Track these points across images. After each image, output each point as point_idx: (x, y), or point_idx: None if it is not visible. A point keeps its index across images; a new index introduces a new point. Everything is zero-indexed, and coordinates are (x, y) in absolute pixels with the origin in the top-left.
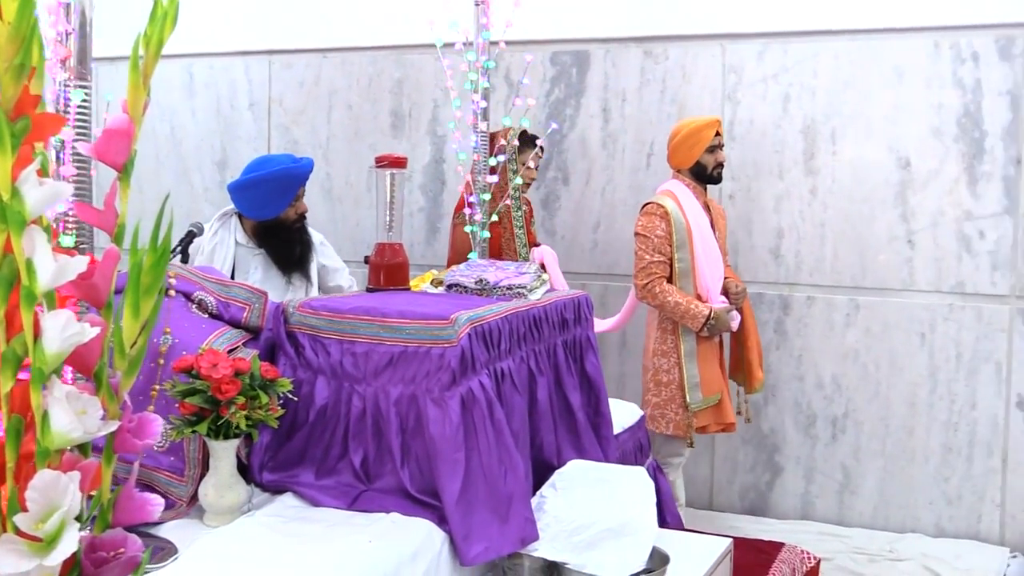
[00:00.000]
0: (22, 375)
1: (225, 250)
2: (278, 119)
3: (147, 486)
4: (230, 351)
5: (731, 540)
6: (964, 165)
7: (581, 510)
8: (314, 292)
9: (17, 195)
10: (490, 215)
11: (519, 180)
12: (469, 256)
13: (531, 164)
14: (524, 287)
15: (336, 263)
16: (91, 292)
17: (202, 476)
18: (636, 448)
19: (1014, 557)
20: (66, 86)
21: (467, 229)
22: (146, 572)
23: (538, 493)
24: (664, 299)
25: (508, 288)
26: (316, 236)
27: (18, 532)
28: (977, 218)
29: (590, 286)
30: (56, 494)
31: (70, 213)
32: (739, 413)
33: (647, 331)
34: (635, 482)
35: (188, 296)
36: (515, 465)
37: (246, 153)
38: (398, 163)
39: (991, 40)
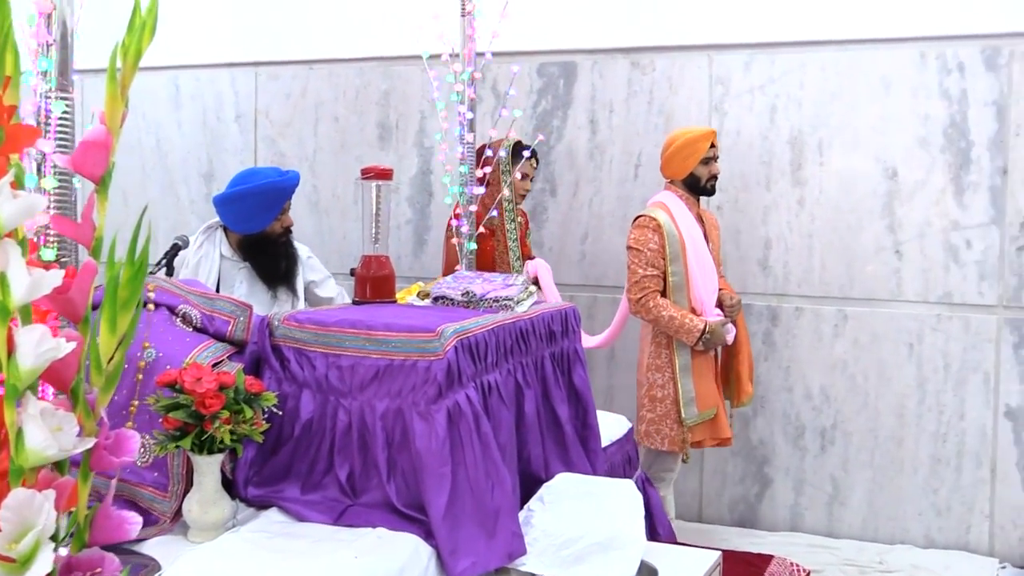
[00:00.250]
0: None
1: (210, 264)
2: (264, 131)
3: (130, 502)
4: (214, 365)
5: (720, 553)
6: (951, 175)
7: (569, 524)
8: (300, 306)
9: None
10: (477, 226)
11: (507, 192)
12: (459, 268)
13: (518, 175)
14: (511, 299)
15: (322, 275)
16: (68, 306)
17: (186, 491)
18: (624, 461)
19: (1003, 568)
20: (47, 98)
21: (469, 247)
22: None
23: (526, 507)
24: (658, 314)
25: (495, 300)
26: (302, 250)
27: None
28: (964, 228)
29: (578, 298)
30: (30, 513)
31: (51, 226)
32: None
33: (641, 346)
34: (623, 495)
35: (172, 309)
36: (502, 479)
37: (232, 165)
38: (384, 175)
39: (977, 50)
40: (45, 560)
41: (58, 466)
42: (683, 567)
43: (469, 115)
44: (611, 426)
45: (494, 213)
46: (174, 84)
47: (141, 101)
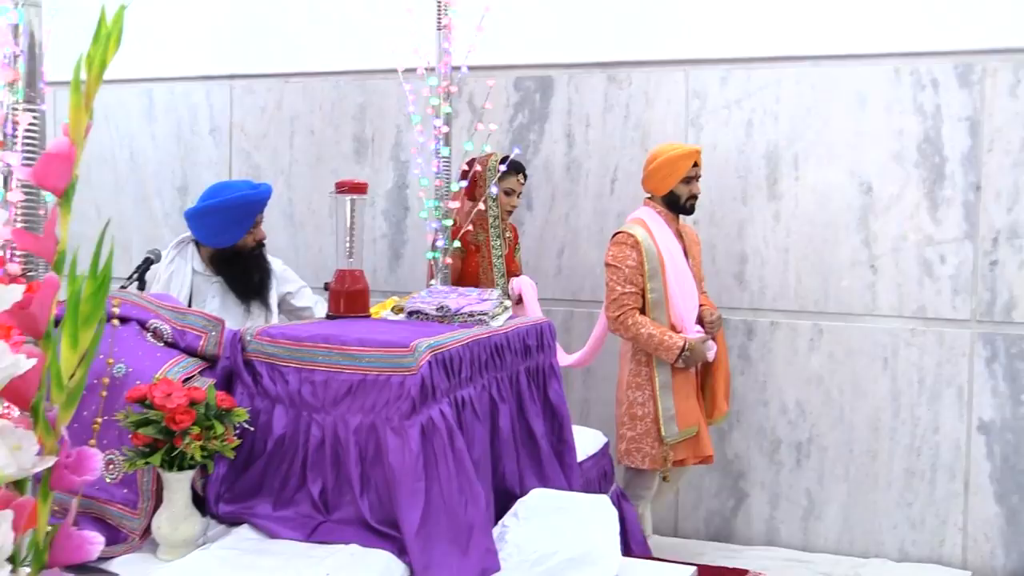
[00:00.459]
0: None
1: (182, 278)
2: (239, 144)
3: (98, 519)
4: (185, 380)
5: (695, 568)
6: (925, 190)
7: (543, 539)
8: (274, 320)
9: None
10: (452, 240)
11: (493, 207)
12: (431, 283)
13: (494, 189)
14: (486, 314)
15: (298, 285)
16: (29, 322)
17: (156, 508)
18: (600, 476)
19: None
20: (14, 109)
21: (428, 256)
22: None
23: (500, 522)
24: (637, 331)
25: (470, 315)
26: (276, 263)
27: None
28: (938, 243)
29: (554, 312)
30: None
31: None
32: None
33: (620, 363)
34: (598, 510)
35: (143, 324)
36: (476, 495)
37: (207, 178)
38: (358, 188)
39: (950, 67)
40: None
41: (17, 485)
42: None
43: (445, 129)
44: (587, 441)
45: (469, 227)
46: (148, 97)
47: (115, 114)
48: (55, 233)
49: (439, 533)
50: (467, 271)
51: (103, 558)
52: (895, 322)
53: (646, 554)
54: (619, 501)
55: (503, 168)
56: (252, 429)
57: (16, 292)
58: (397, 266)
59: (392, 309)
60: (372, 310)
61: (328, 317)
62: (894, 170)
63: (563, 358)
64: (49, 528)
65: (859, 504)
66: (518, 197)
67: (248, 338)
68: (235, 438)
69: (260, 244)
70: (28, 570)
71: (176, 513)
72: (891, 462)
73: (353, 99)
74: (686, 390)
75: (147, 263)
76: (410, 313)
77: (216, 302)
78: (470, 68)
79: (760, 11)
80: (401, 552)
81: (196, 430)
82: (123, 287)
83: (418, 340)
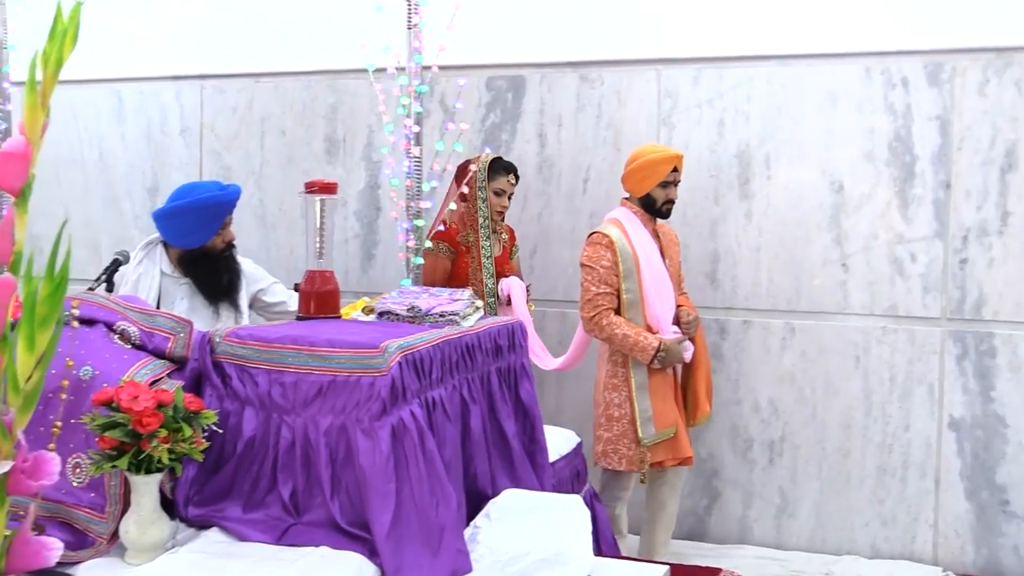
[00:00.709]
0: None
1: (150, 280)
2: (210, 145)
3: (65, 524)
4: (153, 382)
5: (668, 567)
6: (896, 189)
7: (515, 540)
8: (244, 322)
9: None
10: (440, 240)
11: (483, 208)
12: (403, 283)
13: (462, 189)
14: (457, 314)
15: (268, 281)
16: None
17: (124, 512)
18: (573, 476)
19: None
20: None
21: (416, 260)
22: None
23: (472, 524)
24: (612, 332)
25: (440, 315)
26: (245, 263)
27: None
28: (909, 241)
29: None
30: None
31: None
32: None
33: (598, 364)
34: (570, 511)
35: (110, 326)
36: (447, 496)
37: (177, 179)
38: (328, 189)
39: (920, 66)
40: None
41: None
42: None
43: (416, 128)
44: (560, 441)
45: (438, 226)
46: (117, 97)
47: (83, 114)
48: (11, 234)
49: (410, 535)
50: (457, 271)
51: (70, 563)
52: (867, 320)
53: (617, 554)
54: (592, 501)
55: (472, 168)
56: (221, 431)
57: None
58: (369, 267)
59: (363, 310)
60: (343, 311)
61: (298, 318)
62: (865, 169)
63: (548, 362)
64: (7, 533)
65: (831, 502)
66: (509, 198)
67: (217, 340)
68: (204, 440)
69: (229, 245)
70: None
71: (144, 517)
72: (863, 460)
73: (324, 99)
74: (663, 391)
75: (115, 264)
76: (381, 314)
77: (185, 304)
78: (442, 68)
79: (731, 10)
80: (372, 554)
81: (164, 433)
82: (91, 289)
83: (388, 341)
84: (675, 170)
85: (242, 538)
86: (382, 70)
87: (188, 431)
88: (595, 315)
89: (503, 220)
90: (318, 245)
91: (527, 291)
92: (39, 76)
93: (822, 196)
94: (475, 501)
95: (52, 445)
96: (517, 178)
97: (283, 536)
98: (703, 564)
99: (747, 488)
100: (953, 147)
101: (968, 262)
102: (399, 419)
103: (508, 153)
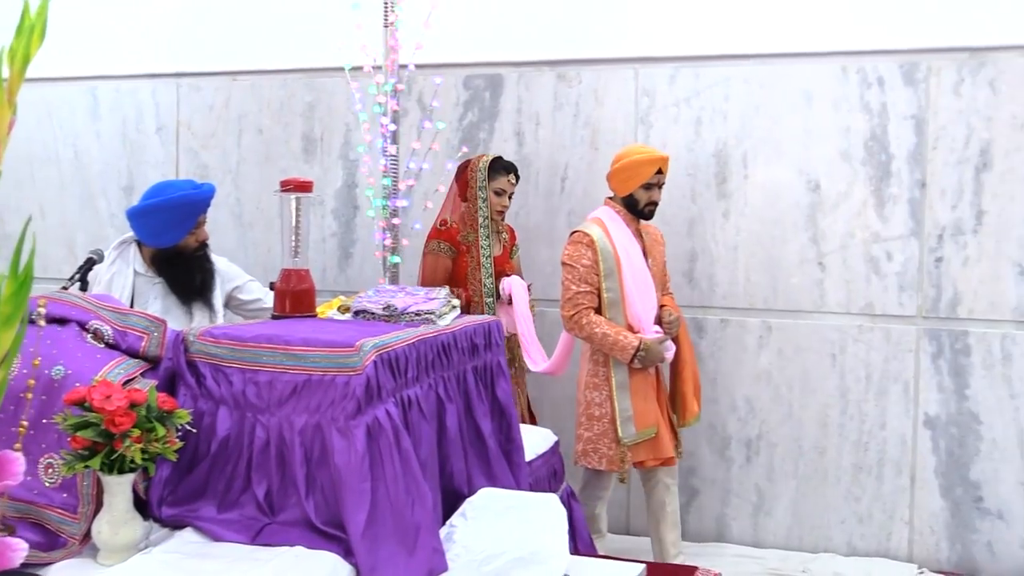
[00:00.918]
0: None
1: (123, 280)
2: (187, 143)
3: (37, 524)
4: (127, 382)
5: (644, 566)
6: (872, 188)
7: (491, 539)
8: (218, 322)
9: None
10: (442, 240)
11: (483, 208)
12: (378, 283)
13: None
14: (433, 313)
15: (244, 279)
16: None
17: (96, 513)
18: (550, 474)
19: (921, 573)
20: None
21: (392, 260)
22: None
23: (448, 523)
24: (591, 331)
25: (416, 314)
26: (220, 261)
27: None
28: (885, 240)
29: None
30: None
31: None
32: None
33: (580, 363)
34: (546, 509)
35: (83, 325)
36: (423, 495)
37: (154, 178)
38: (303, 187)
39: (895, 65)
40: None
41: None
42: None
43: (392, 127)
44: (537, 440)
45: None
46: (92, 95)
47: (58, 112)
48: None
49: (385, 534)
50: (458, 271)
51: (42, 564)
52: (843, 319)
53: (594, 553)
54: (568, 500)
55: (449, 166)
56: (195, 431)
57: None
58: (347, 265)
59: (338, 309)
60: (318, 310)
61: (273, 317)
62: (841, 168)
63: (539, 364)
64: None
65: (808, 500)
66: (509, 198)
67: (191, 339)
68: (177, 440)
69: (203, 245)
70: None
71: (117, 517)
72: (839, 458)
73: (301, 97)
74: (644, 390)
75: (89, 263)
76: (356, 312)
77: (158, 304)
78: (419, 66)
79: (708, 10)
80: (347, 553)
81: (136, 432)
82: (64, 288)
83: (363, 340)
84: (659, 172)
85: (216, 538)
86: (359, 68)
87: (161, 431)
88: (575, 314)
89: (504, 220)
90: (293, 243)
91: (528, 290)
92: (5, 73)
93: (799, 195)
94: (451, 500)
95: (18, 445)
96: (518, 178)
97: (258, 536)
98: (679, 562)
99: (724, 486)
100: (928, 146)
101: (943, 261)
102: (374, 418)
103: (486, 152)
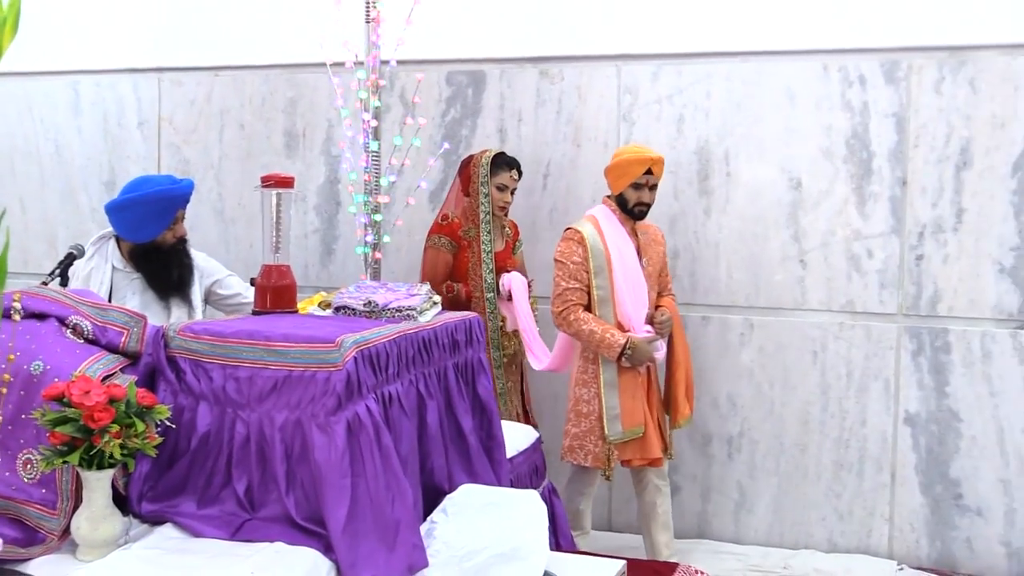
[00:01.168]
0: None
1: (101, 275)
2: (168, 138)
3: (15, 520)
4: (106, 377)
5: (625, 562)
6: (853, 185)
7: (471, 535)
8: (197, 317)
9: None
10: (443, 235)
11: (484, 203)
12: (360, 279)
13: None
14: (414, 309)
15: (223, 273)
16: None
17: (75, 508)
18: (531, 471)
19: (901, 570)
20: None
21: (359, 251)
22: None
23: (428, 519)
24: (579, 327)
25: (397, 310)
26: (198, 256)
27: None
28: (866, 238)
29: None
30: None
31: None
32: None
33: (574, 360)
34: (527, 506)
35: (62, 321)
36: (403, 491)
37: (135, 172)
38: (284, 183)
39: (877, 64)
40: None
41: None
42: None
43: (374, 123)
44: (518, 436)
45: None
46: (73, 89)
47: (39, 106)
48: None
49: (366, 530)
50: (459, 266)
51: (21, 559)
52: (824, 316)
53: (575, 549)
54: (550, 497)
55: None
56: (174, 427)
57: None
58: (329, 261)
59: (319, 304)
60: (299, 305)
61: (254, 312)
62: (823, 165)
63: (541, 362)
64: None
65: (789, 496)
66: (512, 193)
67: (171, 334)
68: (157, 436)
69: (181, 240)
70: None
71: (96, 513)
72: (820, 455)
73: (283, 93)
74: (633, 389)
75: (70, 258)
76: (337, 308)
77: (136, 299)
78: (401, 62)
79: (691, 7)
80: (327, 549)
81: (116, 428)
82: (44, 283)
83: (344, 336)
84: (650, 172)
85: (196, 534)
86: (340, 64)
87: (141, 426)
88: (563, 310)
89: (506, 215)
90: (274, 239)
91: (529, 287)
92: None
93: (780, 192)
94: (431, 496)
95: None
96: (520, 173)
97: (238, 532)
98: (660, 558)
99: (705, 483)
100: (909, 144)
101: (924, 258)
102: (355, 414)
103: (468, 148)
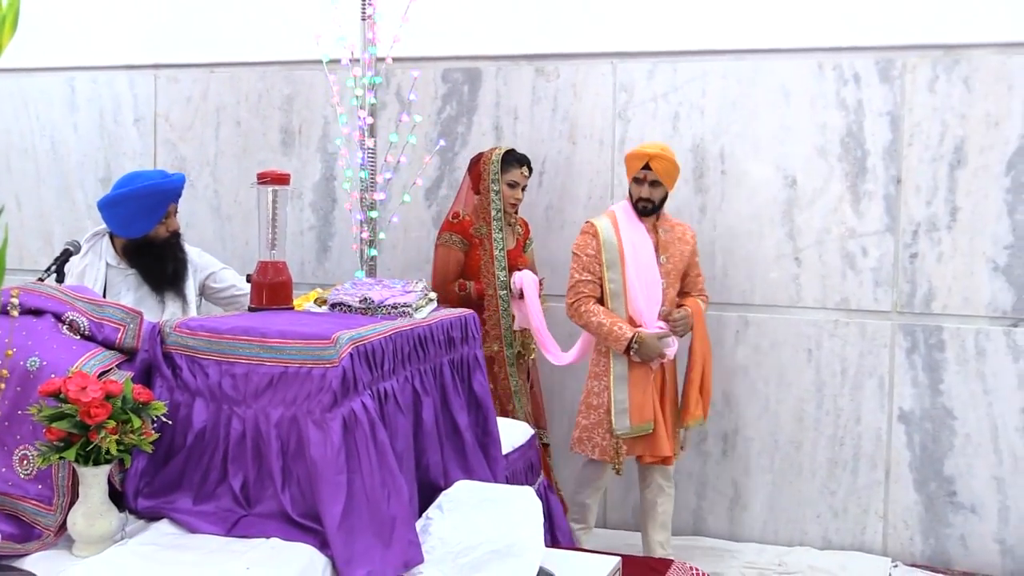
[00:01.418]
0: None
1: (95, 272)
2: (164, 135)
3: (12, 516)
4: (102, 373)
5: (619, 559)
6: (848, 184)
7: (467, 532)
8: (192, 313)
9: None
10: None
11: (495, 201)
12: (356, 274)
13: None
14: (409, 306)
15: (218, 266)
16: None
17: (72, 504)
18: (527, 467)
19: (895, 567)
20: None
21: (366, 251)
22: None
23: (424, 515)
24: (588, 319)
25: (393, 307)
26: (192, 251)
27: None
28: (860, 236)
29: None
30: None
31: None
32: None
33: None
34: (522, 502)
35: (59, 317)
36: (399, 487)
37: (131, 169)
38: (280, 180)
39: (871, 62)
40: None
41: None
42: (582, 573)
43: (370, 120)
44: (514, 433)
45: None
46: (70, 86)
47: (35, 103)
48: None
49: (361, 526)
50: (470, 264)
51: (17, 555)
52: (819, 314)
53: (570, 547)
54: (545, 493)
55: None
56: (171, 423)
57: None
58: (325, 258)
59: (315, 301)
60: (295, 302)
61: (250, 309)
62: (818, 164)
63: (560, 357)
64: None
65: (784, 494)
66: (522, 190)
67: (167, 331)
68: (153, 432)
69: (175, 235)
70: None
71: (92, 509)
72: (815, 452)
73: (280, 90)
74: (643, 384)
75: (66, 255)
76: (333, 305)
77: (131, 295)
78: (396, 59)
79: (686, 5)
80: (323, 545)
81: (112, 424)
82: (40, 279)
83: (340, 332)
84: (647, 168)
85: (192, 530)
86: (336, 61)
87: (137, 422)
88: (575, 301)
89: (517, 212)
90: (270, 236)
91: (540, 285)
92: None
93: (775, 190)
94: (427, 493)
95: None
96: (531, 170)
97: (234, 528)
98: (655, 555)
99: (701, 480)
100: (904, 143)
101: (918, 256)
102: (350, 410)
103: (464, 146)
